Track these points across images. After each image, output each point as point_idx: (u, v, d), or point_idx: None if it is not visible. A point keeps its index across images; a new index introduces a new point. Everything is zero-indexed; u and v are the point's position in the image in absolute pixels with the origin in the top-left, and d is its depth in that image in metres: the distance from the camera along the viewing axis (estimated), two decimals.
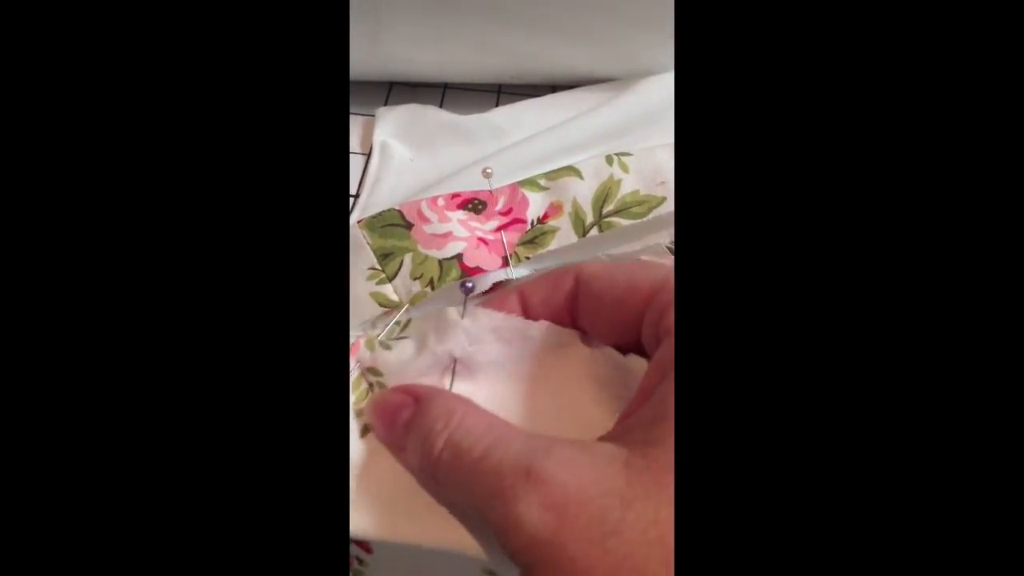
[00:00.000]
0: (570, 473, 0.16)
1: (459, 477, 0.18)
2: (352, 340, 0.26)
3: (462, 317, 0.23)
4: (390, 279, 0.26)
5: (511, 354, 0.24)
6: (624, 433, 0.18)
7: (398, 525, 0.22)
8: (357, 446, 0.23)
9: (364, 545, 0.24)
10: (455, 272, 0.26)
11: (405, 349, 0.24)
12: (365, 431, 0.23)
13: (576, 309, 0.24)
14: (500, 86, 0.42)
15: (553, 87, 0.41)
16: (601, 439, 0.19)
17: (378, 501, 0.22)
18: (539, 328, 0.23)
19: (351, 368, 0.24)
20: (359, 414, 0.24)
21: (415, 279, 0.26)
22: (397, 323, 0.25)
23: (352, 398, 0.24)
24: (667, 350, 0.19)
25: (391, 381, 0.24)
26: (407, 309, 0.26)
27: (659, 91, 0.39)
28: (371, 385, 0.25)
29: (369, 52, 0.37)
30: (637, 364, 0.24)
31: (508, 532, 0.16)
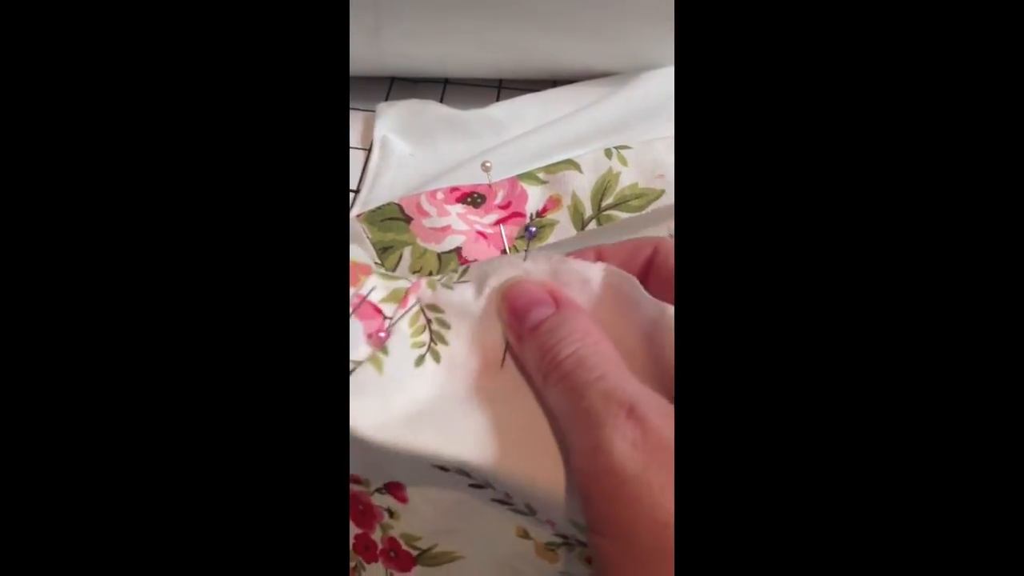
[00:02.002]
0: (668, 425, 0.17)
1: (572, 386, 0.19)
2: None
3: (524, 260, 0.23)
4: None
5: (569, 295, 0.24)
6: None
7: (451, 444, 0.21)
8: (421, 373, 0.23)
9: (399, 494, 0.24)
10: (454, 265, 0.26)
11: (466, 292, 0.24)
12: (419, 361, 0.23)
13: (648, 279, 0.24)
14: (500, 81, 0.42)
15: (554, 82, 0.41)
16: None
17: (432, 420, 0.22)
18: (598, 270, 0.22)
19: (411, 305, 0.24)
20: (416, 346, 0.23)
21: (414, 272, 0.26)
22: (454, 270, 0.25)
23: (409, 331, 0.23)
24: None
25: (452, 319, 0.23)
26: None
27: (659, 85, 0.38)
28: (429, 321, 0.24)
29: (370, 47, 0.37)
30: None
31: (597, 454, 0.17)
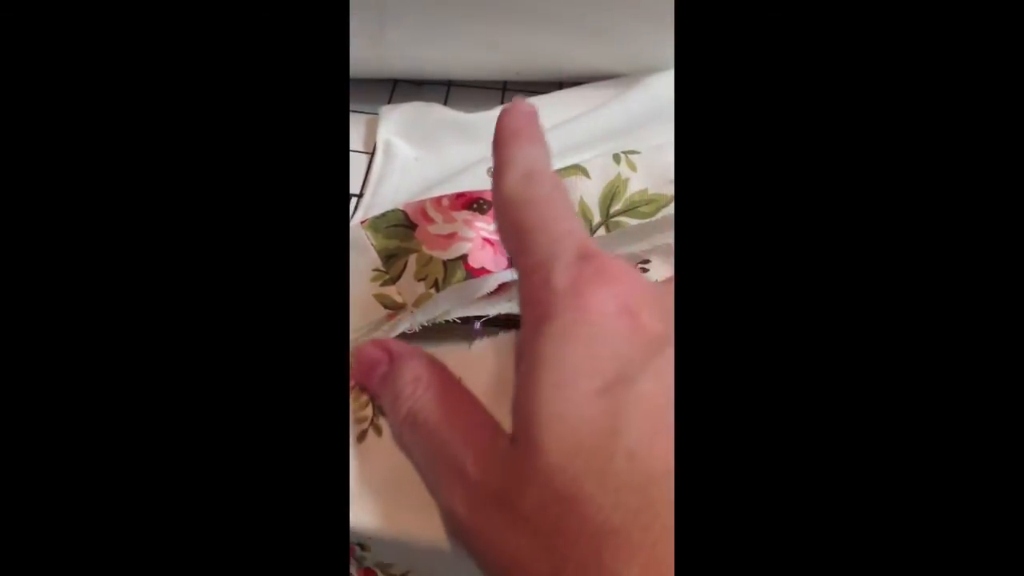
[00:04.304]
0: (486, 474, 0.17)
1: (415, 446, 0.19)
2: (353, 342, 0.26)
3: (470, 347, 0.24)
4: (394, 280, 0.26)
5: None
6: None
7: (398, 519, 0.22)
8: (355, 450, 0.23)
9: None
10: (460, 273, 0.25)
11: None
12: (362, 436, 0.23)
13: None
14: (505, 83, 0.42)
15: (559, 84, 0.41)
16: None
17: (377, 497, 0.22)
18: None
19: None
20: (359, 421, 0.24)
21: (420, 280, 0.26)
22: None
23: (353, 406, 0.24)
24: None
25: None
26: (412, 311, 0.26)
27: (667, 88, 0.38)
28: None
29: (373, 50, 0.37)
30: None
31: (444, 516, 0.18)
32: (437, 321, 0.28)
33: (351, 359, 0.23)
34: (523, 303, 0.18)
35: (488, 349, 0.24)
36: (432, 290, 0.26)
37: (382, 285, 0.26)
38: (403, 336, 0.27)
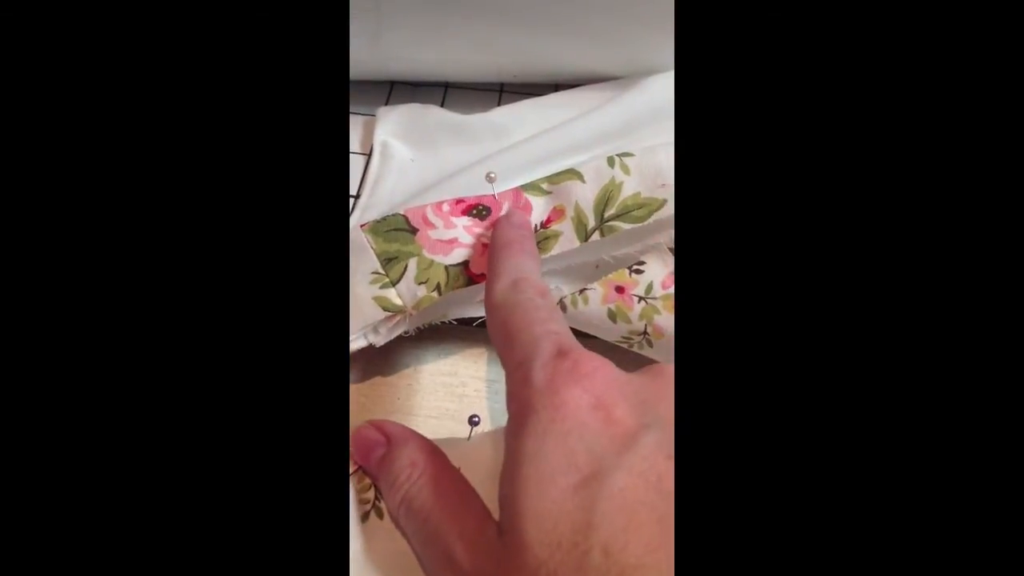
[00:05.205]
0: (475, 557, 0.18)
1: (410, 530, 0.20)
2: (352, 345, 0.26)
3: (468, 439, 0.24)
4: (394, 283, 0.26)
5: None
6: None
7: None
8: (358, 530, 0.24)
9: None
10: (463, 280, 0.26)
11: None
12: (365, 517, 0.24)
13: None
14: (502, 85, 0.42)
15: (556, 86, 0.41)
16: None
17: None
18: None
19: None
20: (362, 502, 0.24)
21: (420, 283, 0.26)
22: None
23: (355, 488, 0.24)
24: None
25: None
26: (411, 314, 0.26)
27: (663, 90, 0.38)
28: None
29: (370, 51, 0.37)
30: None
31: None
32: (434, 323, 0.28)
33: (351, 441, 0.23)
34: (508, 399, 0.20)
35: (486, 440, 0.25)
36: (434, 293, 0.26)
37: (381, 288, 0.26)
38: (400, 339, 0.28)
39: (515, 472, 0.17)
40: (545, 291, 0.22)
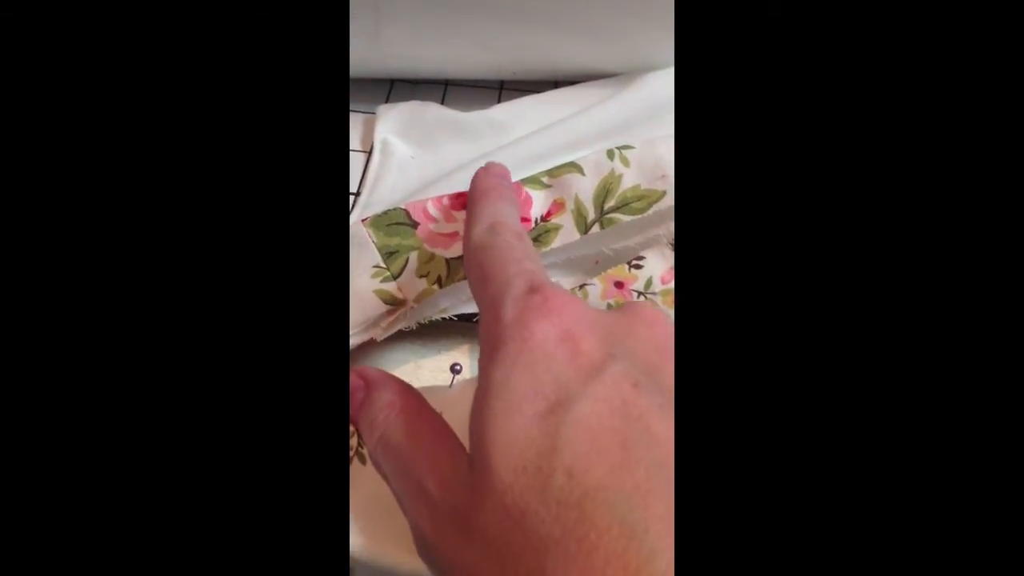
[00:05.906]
0: (447, 494, 0.18)
1: (387, 468, 0.20)
2: (353, 339, 0.26)
3: (450, 387, 0.24)
4: (395, 277, 0.26)
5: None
6: None
7: (381, 546, 0.23)
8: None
9: None
10: (463, 273, 0.26)
11: None
12: (348, 463, 0.24)
13: None
14: (502, 82, 0.42)
15: (556, 83, 0.41)
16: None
17: (361, 523, 0.23)
18: None
19: None
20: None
21: (421, 277, 0.26)
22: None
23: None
24: None
25: None
26: (412, 308, 0.27)
27: (663, 86, 0.38)
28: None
29: (370, 49, 0.37)
30: None
31: (414, 537, 0.19)
32: (434, 319, 0.28)
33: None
34: (480, 337, 0.20)
35: (467, 388, 0.25)
36: (435, 286, 0.26)
37: (382, 281, 0.26)
38: (400, 334, 0.28)
39: (483, 402, 0.18)
40: (521, 234, 0.22)
